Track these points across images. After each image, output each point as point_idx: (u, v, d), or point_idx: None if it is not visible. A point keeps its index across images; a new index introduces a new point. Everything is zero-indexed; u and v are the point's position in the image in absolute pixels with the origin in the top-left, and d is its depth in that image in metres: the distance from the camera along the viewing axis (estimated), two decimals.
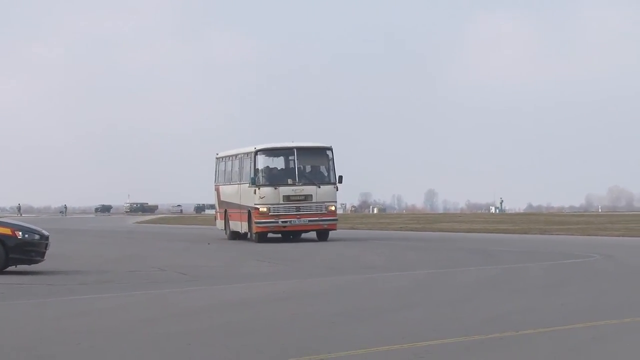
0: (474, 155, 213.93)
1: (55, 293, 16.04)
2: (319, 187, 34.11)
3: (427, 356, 9.41)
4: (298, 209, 34.02)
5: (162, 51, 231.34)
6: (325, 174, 34.76)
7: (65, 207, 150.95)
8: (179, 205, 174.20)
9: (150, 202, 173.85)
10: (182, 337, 10.76)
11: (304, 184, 34.17)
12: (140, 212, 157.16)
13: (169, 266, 22.35)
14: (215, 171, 40.76)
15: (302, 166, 34.78)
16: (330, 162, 34.71)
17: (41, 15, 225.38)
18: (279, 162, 35.62)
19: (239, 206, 36.39)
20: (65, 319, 12.65)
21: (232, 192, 37.79)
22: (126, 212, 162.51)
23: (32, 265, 20.08)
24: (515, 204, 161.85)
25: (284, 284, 17.96)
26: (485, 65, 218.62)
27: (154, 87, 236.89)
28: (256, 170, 34.46)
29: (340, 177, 34.55)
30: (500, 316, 12.42)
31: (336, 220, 35.19)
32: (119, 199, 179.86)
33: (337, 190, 34.54)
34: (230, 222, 37.99)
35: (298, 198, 34.06)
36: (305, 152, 35.04)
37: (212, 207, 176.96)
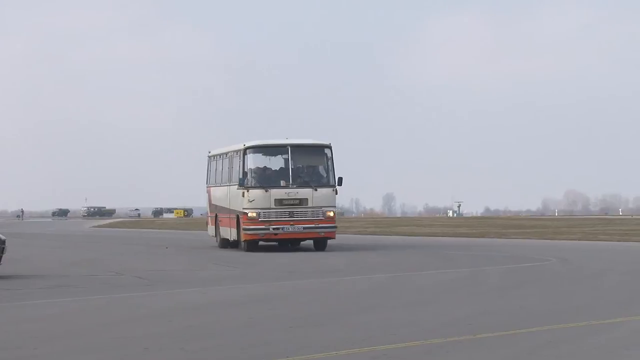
0: (432, 160, 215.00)
1: (12, 297, 15.88)
2: (316, 189, 30.59)
3: None
4: (292, 214, 30.47)
5: (121, 48, 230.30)
6: (323, 175, 31.22)
7: (22, 211, 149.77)
8: (136, 209, 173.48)
9: (108, 206, 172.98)
10: (140, 341, 10.70)
11: (299, 186, 30.61)
12: (97, 216, 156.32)
13: (126, 270, 22.22)
14: (207, 171, 36.70)
15: (296, 166, 31.08)
16: (329, 162, 31.14)
17: None
18: (270, 161, 31.84)
19: (229, 210, 32.74)
20: (21, 323, 12.53)
21: (222, 194, 34.02)
22: (83, 216, 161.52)
23: None
24: (473, 208, 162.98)
25: (242, 288, 17.91)
26: (444, 69, 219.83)
27: (111, 87, 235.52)
28: (245, 170, 30.88)
29: (340, 179, 30.99)
30: (458, 319, 12.47)
31: (335, 227, 31.43)
32: (76, 203, 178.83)
33: (336, 193, 31.08)
34: (220, 228, 34.22)
35: (292, 202, 30.54)
36: (301, 150, 31.29)
37: (170, 210, 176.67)
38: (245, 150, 31.11)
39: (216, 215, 34.69)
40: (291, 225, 30.44)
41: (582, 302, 15.06)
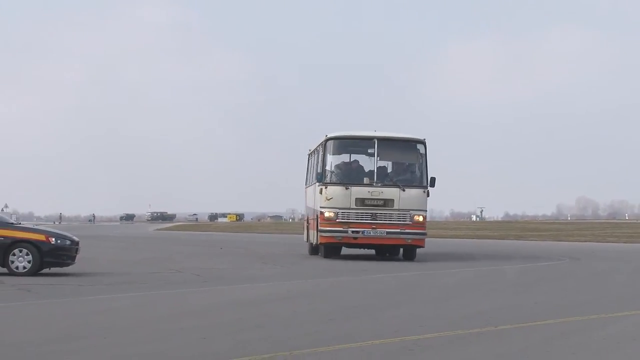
0: (457, 168, 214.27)
1: (84, 292, 16.00)
2: (404, 190, 24.73)
3: (415, 349, 9.39)
4: (374, 216, 24.77)
5: (179, 66, 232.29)
6: (414, 174, 25.29)
7: (94, 216, 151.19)
8: (194, 214, 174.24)
9: (169, 211, 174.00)
10: (198, 331, 10.74)
11: (384, 186, 24.85)
12: (160, 220, 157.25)
13: (185, 268, 22.31)
14: (306, 171, 30.15)
15: (383, 162, 25.56)
16: (422, 160, 25.16)
17: (52, 35, 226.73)
18: (354, 156, 26.15)
19: (313, 211, 27.02)
20: (92, 315, 12.62)
21: (311, 194, 28.04)
22: (148, 220, 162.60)
23: (64, 267, 20.07)
24: (494, 213, 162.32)
25: (286, 284, 17.92)
26: (463, 82, 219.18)
27: (172, 104, 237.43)
28: (324, 164, 25.21)
29: (433, 180, 24.97)
30: (480, 313, 12.39)
31: (424, 234, 25.62)
32: (141, 209, 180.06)
33: (428, 196, 25.16)
34: (309, 231, 28.22)
35: (375, 202, 24.77)
36: (389, 144, 25.37)
37: (224, 215, 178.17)
38: (326, 142, 25.43)
39: (307, 218, 29.14)
40: (373, 228, 24.86)
41: (592, 297, 14.92)
